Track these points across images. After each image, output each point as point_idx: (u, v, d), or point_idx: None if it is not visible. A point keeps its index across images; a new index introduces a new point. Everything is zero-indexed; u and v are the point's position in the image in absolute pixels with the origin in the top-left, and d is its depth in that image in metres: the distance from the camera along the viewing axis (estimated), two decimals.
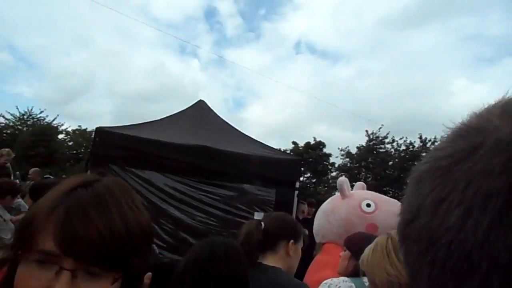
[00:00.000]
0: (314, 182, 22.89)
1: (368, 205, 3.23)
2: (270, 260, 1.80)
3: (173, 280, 1.40)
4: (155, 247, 5.57)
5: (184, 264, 1.43)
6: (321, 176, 23.09)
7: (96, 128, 5.80)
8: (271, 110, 49.58)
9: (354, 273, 2.05)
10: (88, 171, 5.55)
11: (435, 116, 36.44)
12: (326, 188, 23.09)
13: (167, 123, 6.83)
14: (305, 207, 6.71)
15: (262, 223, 1.91)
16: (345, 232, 2.99)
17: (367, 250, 1.57)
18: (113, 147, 5.64)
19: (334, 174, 24.44)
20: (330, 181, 24.37)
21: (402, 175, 21.47)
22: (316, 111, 42.87)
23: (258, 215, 5.98)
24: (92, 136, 6.77)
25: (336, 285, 2.00)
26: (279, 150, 6.63)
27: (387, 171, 22.14)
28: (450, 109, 38.76)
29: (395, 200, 3.45)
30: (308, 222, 6.83)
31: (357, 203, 3.27)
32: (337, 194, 3.68)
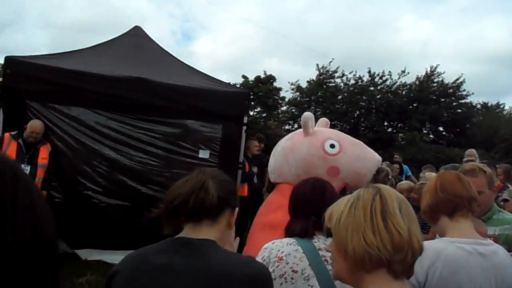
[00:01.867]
0: (264, 117, 22.64)
1: (332, 146, 2.84)
2: (205, 233, 1.28)
3: None
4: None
5: None
6: (272, 111, 22.84)
7: (6, 58, 4.86)
8: (221, 43, 47.60)
9: (302, 232, 1.68)
10: (1, 108, 4.74)
11: (384, 52, 36.84)
12: (276, 123, 22.98)
13: (96, 52, 5.95)
14: (255, 143, 6.33)
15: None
16: (304, 174, 2.67)
17: (342, 203, 1.15)
18: (30, 80, 4.80)
19: (284, 108, 24.31)
20: (280, 116, 24.28)
21: (350, 109, 21.72)
22: (267, 45, 41.70)
23: (203, 153, 5.55)
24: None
25: (279, 250, 1.63)
26: (227, 83, 6.05)
27: (336, 105, 22.26)
28: (398, 45, 39.24)
29: (361, 143, 3.10)
30: (257, 159, 6.55)
31: (320, 143, 2.86)
32: (296, 131, 3.24)
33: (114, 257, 5.02)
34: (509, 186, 4.27)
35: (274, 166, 3.10)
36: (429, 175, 4.38)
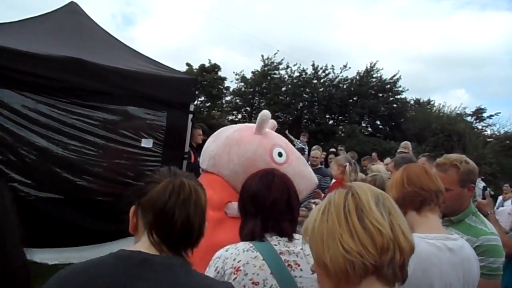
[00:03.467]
0: (208, 106, 22.23)
1: (280, 155, 2.62)
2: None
3: None
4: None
5: None
6: (216, 100, 22.48)
7: None
8: (165, 29, 45.80)
9: (251, 235, 1.47)
10: None
11: (327, 45, 37.70)
12: (219, 113, 22.67)
13: (25, 28, 5.32)
14: (199, 131, 6.06)
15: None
16: (242, 172, 2.42)
17: (314, 212, 0.98)
18: None
19: (228, 98, 24.04)
20: (224, 106, 24.00)
21: (293, 100, 21.97)
22: (212, 33, 40.80)
23: (146, 142, 5.21)
24: None
25: (234, 259, 1.40)
26: (173, 69, 5.72)
27: (280, 97, 22.40)
28: (340, 40, 40.39)
29: (304, 159, 2.97)
30: (202, 149, 6.27)
31: (269, 147, 2.62)
32: (247, 124, 2.99)
33: (44, 256, 4.56)
34: None
35: (214, 152, 2.75)
36: (376, 168, 4.43)
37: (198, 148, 5.96)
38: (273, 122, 2.99)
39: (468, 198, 2.06)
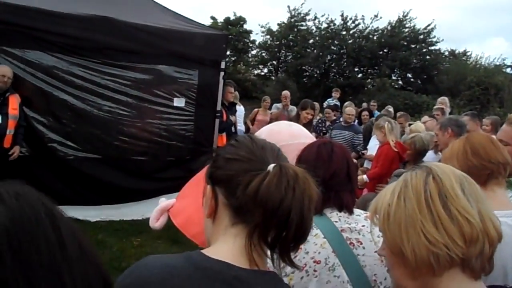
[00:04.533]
0: (233, 61, 21.88)
1: None
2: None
3: None
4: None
5: None
6: (242, 54, 22.09)
7: None
8: None
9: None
10: None
11: None
12: (244, 67, 22.31)
13: None
14: (231, 89, 5.94)
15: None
16: None
17: (387, 194, 0.90)
18: None
19: (254, 52, 23.57)
20: (250, 60, 23.57)
21: (321, 53, 21.29)
22: None
23: (178, 101, 5.18)
24: None
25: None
26: (203, 24, 5.55)
27: (308, 50, 21.75)
28: None
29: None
30: (234, 107, 6.22)
31: None
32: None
33: (86, 213, 4.74)
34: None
35: None
36: (415, 127, 4.27)
37: (230, 106, 5.90)
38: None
39: None
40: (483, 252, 0.82)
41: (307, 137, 1.75)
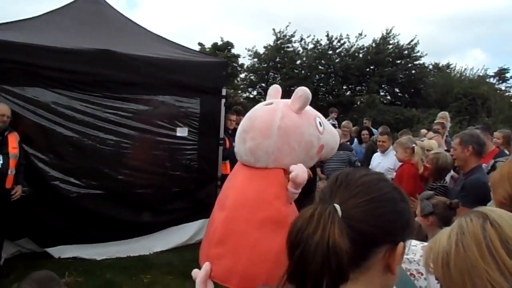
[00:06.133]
0: None
1: (320, 124, 2.58)
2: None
3: None
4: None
5: None
6: (231, 78, 22.22)
7: None
8: (170, 9, 45.15)
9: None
10: None
11: (340, 13, 36.63)
12: (232, 91, 22.38)
13: (49, 21, 5.15)
14: (232, 116, 5.89)
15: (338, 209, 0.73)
16: (305, 156, 2.45)
17: (443, 239, 0.86)
18: None
19: (243, 75, 23.73)
20: (239, 83, 23.70)
21: (309, 73, 21.52)
22: (219, 9, 40.08)
23: (181, 131, 5.09)
24: None
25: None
26: (201, 53, 5.53)
27: (296, 70, 21.97)
28: (354, 7, 39.11)
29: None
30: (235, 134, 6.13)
31: (313, 122, 2.54)
32: (281, 105, 2.67)
33: (91, 252, 4.57)
34: (507, 152, 4.20)
35: (272, 148, 2.58)
36: (428, 144, 4.24)
37: (232, 133, 5.83)
38: (276, 88, 2.79)
39: None
40: None
41: None
